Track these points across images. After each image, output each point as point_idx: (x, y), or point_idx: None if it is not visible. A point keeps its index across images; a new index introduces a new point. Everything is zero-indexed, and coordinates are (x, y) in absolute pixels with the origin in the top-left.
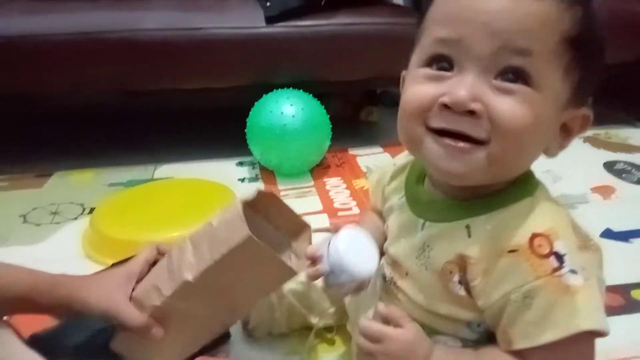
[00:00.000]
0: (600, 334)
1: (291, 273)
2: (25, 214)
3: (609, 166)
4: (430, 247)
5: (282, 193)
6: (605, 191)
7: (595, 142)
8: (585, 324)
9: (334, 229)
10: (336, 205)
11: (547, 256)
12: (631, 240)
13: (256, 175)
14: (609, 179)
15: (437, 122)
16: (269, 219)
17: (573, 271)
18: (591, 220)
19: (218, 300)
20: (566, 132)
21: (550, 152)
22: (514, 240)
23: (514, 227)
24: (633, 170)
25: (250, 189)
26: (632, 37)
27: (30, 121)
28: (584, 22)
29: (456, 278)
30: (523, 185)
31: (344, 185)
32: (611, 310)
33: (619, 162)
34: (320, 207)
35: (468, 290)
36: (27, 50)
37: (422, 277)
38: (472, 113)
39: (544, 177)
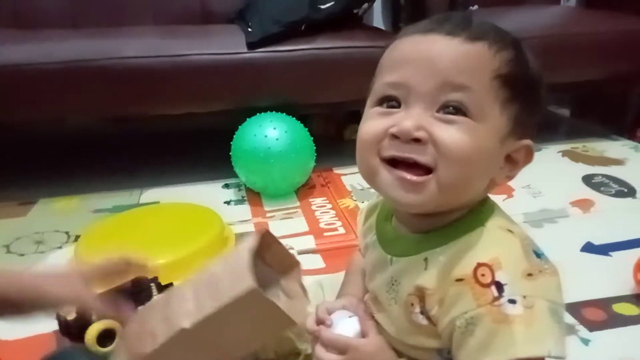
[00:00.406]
0: (550, 357)
1: (291, 324)
2: (8, 244)
3: (587, 179)
4: (397, 282)
5: (268, 214)
6: (584, 205)
7: (573, 155)
8: (522, 351)
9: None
10: (322, 225)
11: (488, 285)
12: (611, 253)
13: (242, 197)
14: (588, 193)
15: (387, 151)
16: (260, 255)
17: (512, 301)
18: (572, 234)
19: (212, 348)
20: (512, 164)
21: (498, 182)
22: (462, 270)
23: (463, 257)
24: (611, 183)
25: (236, 212)
26: (599, 56)
27: (13, 148)
28: (515, 63)
29: (417, 309)
30: (476, 216)
31: (330, 205)
32: (593, 325)
33: (597, 175)
34: (306, 228)
35: (430, 319)
36: (8, 78)
37: (392, 311)
38: (418, 141)
39: (524, 192)
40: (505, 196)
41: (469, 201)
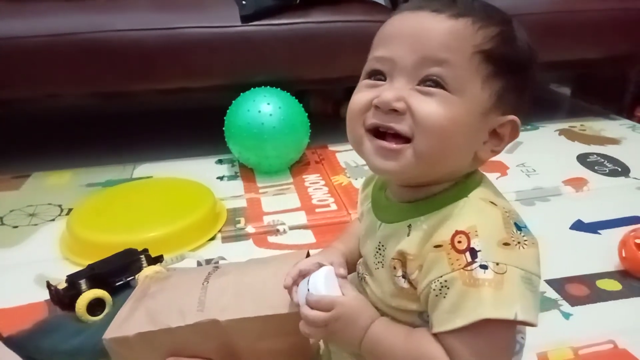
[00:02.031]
0: (515, 322)
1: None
2: (2, 217)
3: (582, 158)
4: (384, 247)
5: (261, 190)
6: (577, 183)
7: (570, 134)
8: (488, 313)
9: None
10: (314, 202)
11: (463, 252)
12: (600, 231)
13: (235, 173)
14: (582, 172)
15: (370, 120)
16: None
17: (483, 266)
18: (563, 212)
19: (229, 347)
20: (498, 139)
21: (482, 156)
22: (440, 237)
23: (443, 225)
24: (605, 162)
25: (229, 187)
26: (598, 34)
27: (7, 123)
28: (499, 40)
29: (400, 273)
30: (461, 188)
31: (323, 182)
32: (575, 300)
33: (592, 154)
34: (298, 204)
35: (410, 282)
36: None
37: (379, 274)
38: (397, 111)
39: (518, 170)
40: (499, 174)
41: (452, 173)
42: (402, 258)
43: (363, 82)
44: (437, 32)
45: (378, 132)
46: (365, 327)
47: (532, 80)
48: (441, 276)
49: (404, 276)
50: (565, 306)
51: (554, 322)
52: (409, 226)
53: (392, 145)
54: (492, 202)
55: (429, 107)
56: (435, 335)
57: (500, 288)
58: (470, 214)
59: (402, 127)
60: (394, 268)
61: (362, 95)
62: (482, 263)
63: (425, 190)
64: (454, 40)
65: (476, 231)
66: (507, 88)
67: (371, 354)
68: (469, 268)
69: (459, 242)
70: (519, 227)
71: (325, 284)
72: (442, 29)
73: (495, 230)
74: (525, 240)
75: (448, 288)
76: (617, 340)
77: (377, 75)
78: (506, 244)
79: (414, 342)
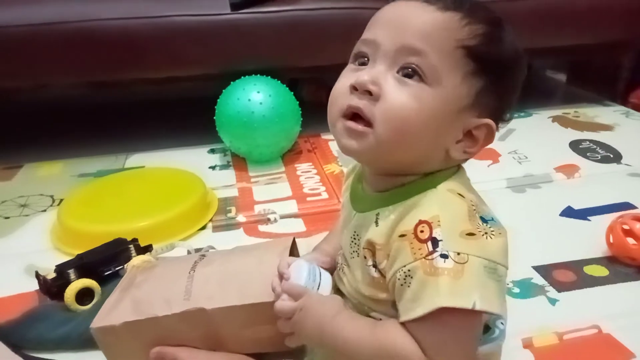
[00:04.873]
0: (475, 312)
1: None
2: None
3: (575, 145)
4: (358, 235)
5: (252, 180)
6: (569, 170)
7: (563, 121)
8: (445, 301)
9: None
10: (305, 190)
11: (425, 241)
12: (589, 217)
13: (227, 162)
14: (574, 158)
15: (344, 101)
16: None
17: (444, 255)
18: (553, 199)
19: (214, 335)
20: (472, 140)
21: (454, 155)
22: (405, 226)
23: (408, 215)
24: (597, 149)
25: (220, 177)
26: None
27: None
28: (485, 38)
29: (370, 262)
30: (430, 179)
31: (315, 171)
32: (562, 286)
33: (585, 140)
34: (289, 193)
35: (380, 272)
36: None
37: (354, 263)
38: (370, 94)
39: (510, 157)
40: (490, 162)
41: (420, 165)
42: (372, 247)
43: (348, 67)
44: (420, 22)
45: (352, 115)
46: (328, 318)
47: (515, 86)
48: (404, 265)
49: (374, 265)
50: (552, 292)
51: (540, 308)
52: (377, 214)
53: (358, 126)
54: (459, 194)
55: (400, 97)
56: (403, 324)
57: (460, 277)
58: (435, 205)
59: (368, 110)
60: (365, 257)
61: (344, 80)
62: (443, 252)
63: (395, 180)
64: (436, 32)
65: (439, 221)
66: (487, 89)
67: (335, 347)
68: (429, 257)
69: (422, 231)
70: (484, 220)
71: (307, 273)
72: (426, 20)
73: (459, 221)
74: (492, 231)
75: (411, 277)
76: (602, 325)
77: (362, 58)
78: (470, 234)
79: (382, 332)
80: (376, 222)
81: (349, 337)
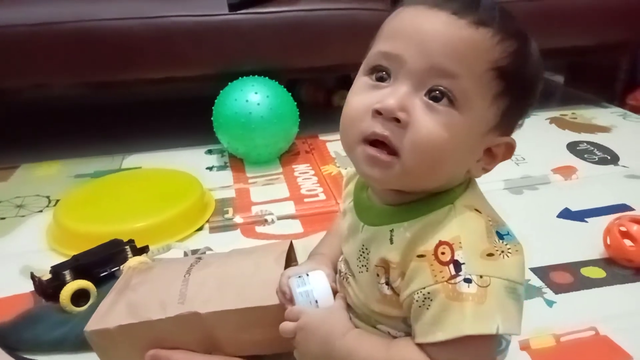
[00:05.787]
0: (496, 336)
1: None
2: None
3: (572, 147)
4: (367, 250)
5: (250, 181)
6: (566, 171)
7: (560, 123)
8: (470, 329)
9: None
10: (303, 191)
11: (447, 264)
12: (587, 219)
13: (225, 163)
14: (571, 160)
15: (369, 127)
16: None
17: (467, 280)
18: (550, 200)
19: (209, 338)
20: (491, 157)
21: (474, 173)
22: (424, 246)
23: (427, 234)
24: (595, 150)
25: (218, 178)
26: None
27: None
28: (515, 56)
29: (383, 280)
30: (446, 194)
31: (312, 172)
32: (559, 288)
33: (582, 142)
34: (287, 194)
35: (394, 290)
36: None
37: (362, 278)
38: (398, 121)
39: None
40: None
41: (440, 187)
42: (386, 265)
43: (363, 80)
44: (452, 41)
45: (373, 139)
46: (334, 337)
47: (536, 98)
48: (424, 287)
49: (387, 283)
50: (549, 294)
51: (537, 310)
52: (391, 231)
53: (382, 156)
54: (477, 210)
55: (431, 126)
56: (419, 345)
57: (483, 302)
58: (454, 224)
59: (396, 141)
60: (377, 275)
61: (362, 98)
62: (466, 277)
63: (409, 195)
64: (469, 52)
65: (460, 242)
66: (512, 107)
67: None
68: (452, 281)
69: (443, 253)
70: (500, 236)
71: (325, 288)
72: (458, 38)
73: (479, 241)
74: (509, 249)
75: (431, 300)
76: (599, 326)
77: (380, 72)
78: (490, 254)
79: (397, 352)
80: (391, 240)
81: (361, 356)
